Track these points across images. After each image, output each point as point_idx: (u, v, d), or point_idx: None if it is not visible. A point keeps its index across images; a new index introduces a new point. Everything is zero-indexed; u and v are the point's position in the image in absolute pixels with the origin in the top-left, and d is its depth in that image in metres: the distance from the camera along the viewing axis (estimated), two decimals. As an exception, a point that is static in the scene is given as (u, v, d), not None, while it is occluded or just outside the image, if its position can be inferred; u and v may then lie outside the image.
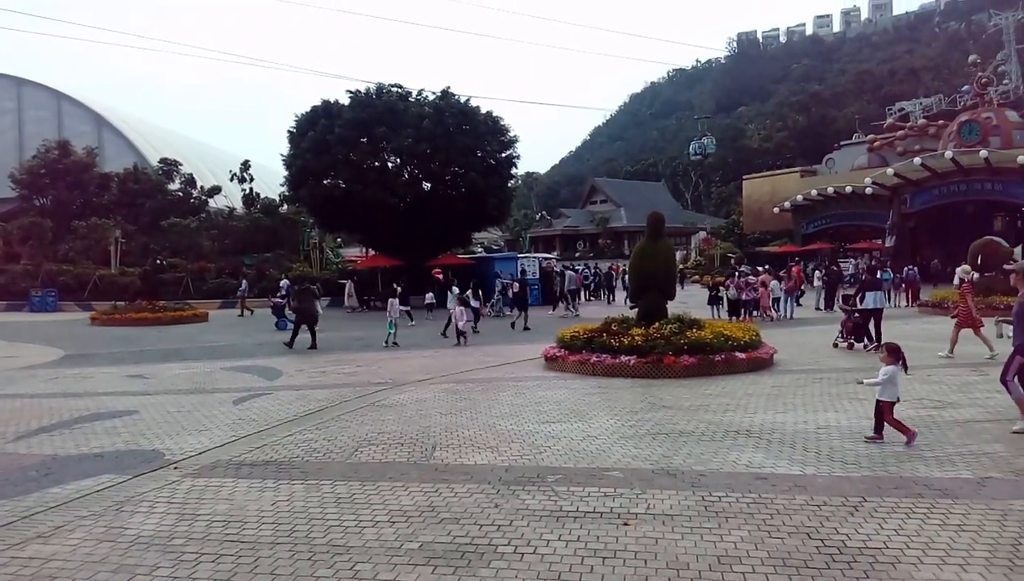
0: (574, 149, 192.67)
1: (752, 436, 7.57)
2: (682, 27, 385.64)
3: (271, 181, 53.22)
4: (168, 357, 16.86)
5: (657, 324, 12.83)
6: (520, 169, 45.90)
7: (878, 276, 16.41)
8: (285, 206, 48.47)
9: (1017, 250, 27.50)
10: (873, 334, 14.62)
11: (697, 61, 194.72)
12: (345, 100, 34.32)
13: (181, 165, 55.73)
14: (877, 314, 14.90)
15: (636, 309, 13.78)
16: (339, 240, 52.37)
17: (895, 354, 7.38)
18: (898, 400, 7.31)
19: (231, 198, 56.03)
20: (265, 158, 58.80)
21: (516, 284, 24.70)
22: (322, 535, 5.08)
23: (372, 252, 40.15)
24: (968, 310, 13.25)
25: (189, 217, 48.28)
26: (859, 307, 15.07)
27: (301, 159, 33.01)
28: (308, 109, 34.45)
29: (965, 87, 50.84)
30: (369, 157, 33.38)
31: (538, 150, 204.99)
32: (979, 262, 22.39)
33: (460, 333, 17.99)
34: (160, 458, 7.42)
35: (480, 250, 55.65)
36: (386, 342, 18.08)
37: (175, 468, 7.03)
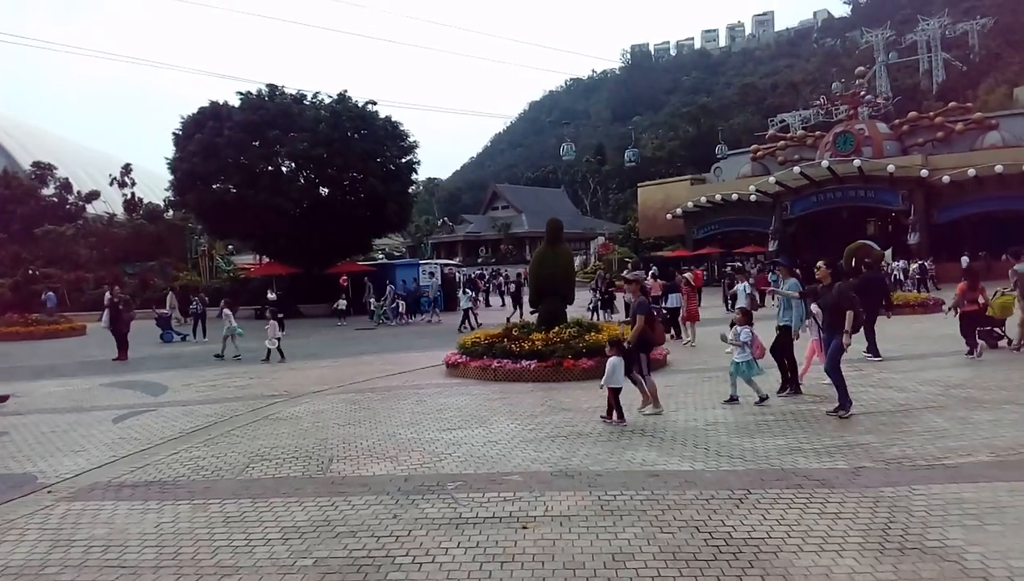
0: (475, 155, 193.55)
1: (646, 435, 7.80)
2: (578, 38, 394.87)
3: (155, 186, 50.72)
4: (41, 374, 15.71)
5: (557, 328, 13.02)
6: (421, 175, 45.63)
7: (675, 280, 18.61)
8: (171, 212, 46.21)
9: (888, 252, 29.66)
10: (673, 331, 17.13)
11: (593, 71, 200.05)
12: (235, 102, 33.12)
13: (56, 169, 52.22)
14: (674, 312, 17.56)
15: (536, 314, 13.93)
16: (230, 247, 50.46)
17: (618, 346, 8.59)
18: (621, 387, 8.44)
19: (111, 204, 52.98)
20: (149, 162, 55.84)
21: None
22: (210, 556, 4.86)
23: (266, 259, 38.86)
24: None
25: (65, 224, 45.31)
26: (664, 306, 17.43)
27: (188, 162, 31.58)
28: (195, 111, 33.03)
29: (835, 83, 54.14)
30: (262, 161, 32.35)
31: (440, 156, 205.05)
32: (853, 264, 24.03)
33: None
34: (32, 482, 6.93)
35: (381, 257, 54.92)
36: (219, 354, 17.20)
37: (48, 492, 6.58)
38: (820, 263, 8.82)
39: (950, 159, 40.14)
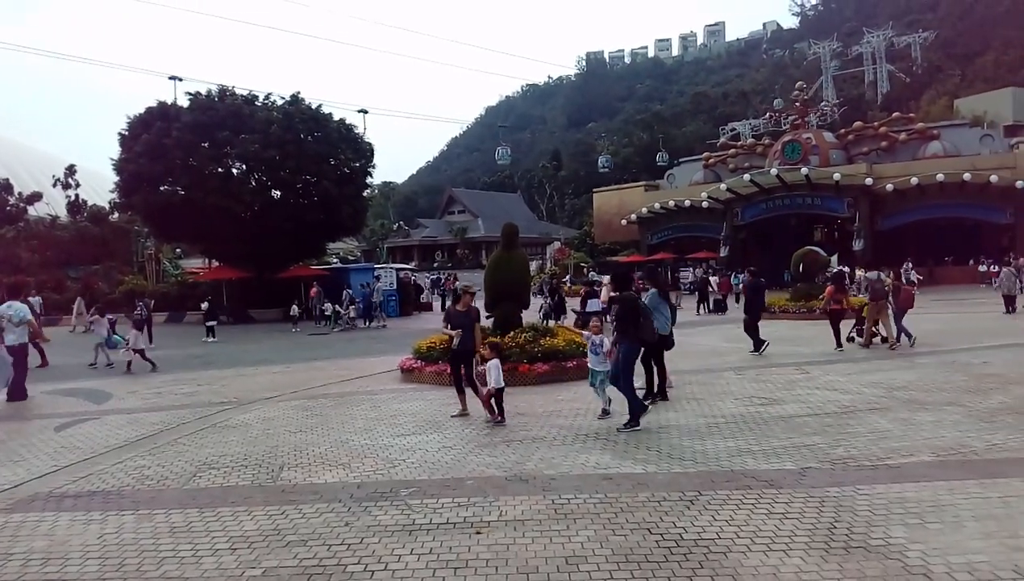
0: (432, 159, 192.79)
1: (600, 438, 7.85)
2: (535, 44, 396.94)
3: (101, 187, 49.31)
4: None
5: (512, 333, 13.03)
6: (377, 178, 45.28)
7: (593, 287, 19.97)
8: (116, 214, 44.97)
9: (834, 259, 30.47)
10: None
11: (549, 77, 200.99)
12: (184, 102, 32.42)
13: (-5, 169, 50.36)
14: (588, 315, 17.99)
15: (492, 318, 13.92)
16: (178, 251, 49.34)
17: (496, 349, 9.20)
18: (503, 387, 8.92)
19: (54, 205, 51.27)
20: (95, 163, 54.31)
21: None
22: (155, 568, 4.74)
23: (216, 263, 38.08)
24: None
25: (5, 226, 43.70)
26: (584, 310, 18.87)
27: (134, 164, 30.76)
28: (143, 110, 32.22)
29: (776, 100, 55.49)
30: (211, 163, 31.68)
31: (395, 160, 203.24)
32: (801, 270, 24.62)
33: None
34: (-35, 495, 6.63)
35: (335, 261, 54.30)
36: (93, 363, 16.43)
37: (-16, 505, 6.30)
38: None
39: (893, 168, 41.49)
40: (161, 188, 31.58)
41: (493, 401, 8.95)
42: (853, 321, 15.89)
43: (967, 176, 37.05)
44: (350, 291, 28.87)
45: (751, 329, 14.69)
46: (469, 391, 9.54)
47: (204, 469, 7.25)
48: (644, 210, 49.31)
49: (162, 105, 32.20)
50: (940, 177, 37.56)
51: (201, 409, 10.88)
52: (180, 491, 6.55)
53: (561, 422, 8.80)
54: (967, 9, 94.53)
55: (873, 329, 15.01)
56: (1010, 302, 21.56)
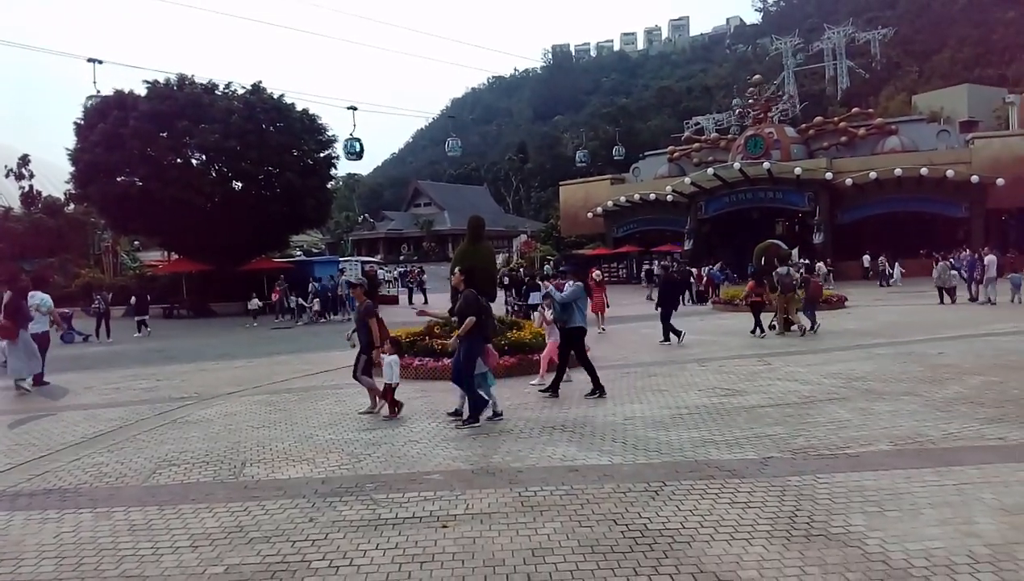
0: (397, 151, 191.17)
1: (566, 430, 7.88)
2: (501, 36, 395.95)
3: (56, 178, 47.90)
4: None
5: (478, 326, 12.99)
6: (341, 170, 44.74)
7: (537, 279, 20.92)
8: (72, 206, 43.82)
9: (795, 252, 31.01)
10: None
11: (515, 70, 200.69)
12: (142, 91, 31.65)
13: (-57, 159, 48.72)
14: (531, 307, 19.11)
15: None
16: (136, 243, 48.31)
17: (396, 345, 9.19)
18: (398, 384, 9.01)
19: (7, 197, 49.83)
20: (49, 153, 52.88)
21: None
22: (113, 567, 4.63)
23: (176, 256, 37.36)
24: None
25: (-46, 218, 42.34)
26: (526, 302, 19.58)
27: (90, 153, 30.00)
28: (99, 99, 31.37)
29: (735, 101, 56.30)
30: (170, 153, 31.03)
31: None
32: (763, 262, 25.01)
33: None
34: (-88, 495, 6.41)
35: (299, 253, 53.65)
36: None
37: (-67, 505, 6.10)
38: (456, 269, 8.94)
39: (853, 162, 42.32)
40: (118, 179, 30.84)
41: (388, 399, 8.95)
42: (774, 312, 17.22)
43: (924, 171, 37.91)
44: (316, 285, 28.56)
45: (664, 320, 15.85)
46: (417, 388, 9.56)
47: (164, 466, 7.11)
48: (610, 203, 49.56)
49: (119, 94, 31.41)
50: (898, 172, 38.38)
51: (161, 404, 10.67)
52: (140, 488, 6.41)
53: (528, 415, 8.82)
54: (924, 7, 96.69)
55: (787, 318, 16.63)
56: (951, 293, 22.60)
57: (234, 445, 7.87)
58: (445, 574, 4.33)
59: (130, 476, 6.81)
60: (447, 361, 12.16)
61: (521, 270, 32.77)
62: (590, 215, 51.38)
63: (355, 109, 32.54)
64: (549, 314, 10.85)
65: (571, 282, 10.51)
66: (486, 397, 8.55)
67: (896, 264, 34.85)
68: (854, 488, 5.54)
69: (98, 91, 29.06)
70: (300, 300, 27.62)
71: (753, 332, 16.38)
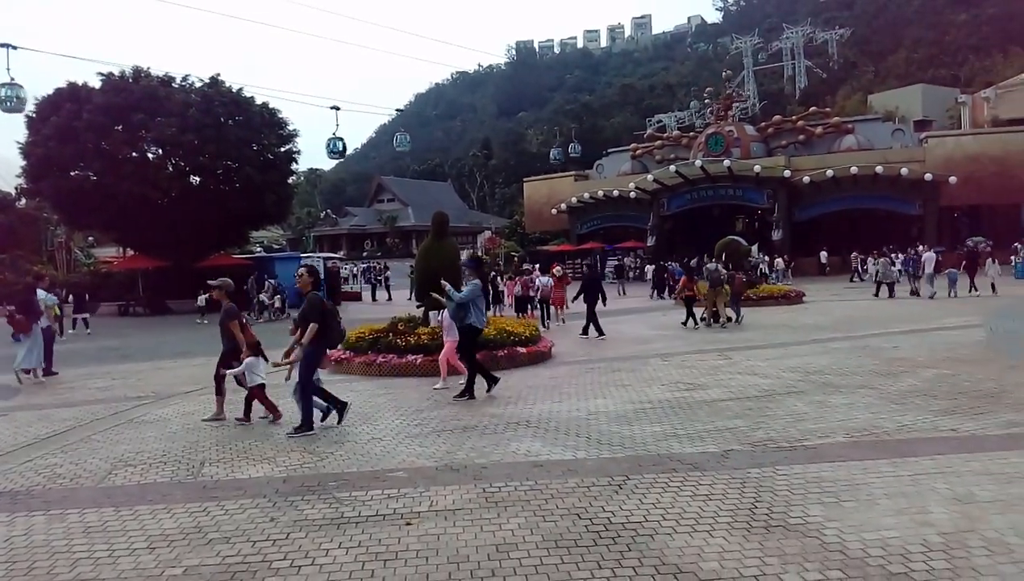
0: (360, 146, 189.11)
1: (531, 426, 7.89)
2: (464, 32, 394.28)
3: (6, 173, 46.39)
4: None
5: (442, 322, 12.95)
6: (303, 165, 44.11)
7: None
8: (24, 201, 42.53)
9: (754, 248, 31.51)
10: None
11: (479, 65, 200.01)
12: (96, 83, 30.82)
13: None
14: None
15: (423, 308, 13.82)
16: (91, 239, 47.13)
17: (253, 348, 8.65)
18: (264, 385, 8.66)
19: (-46, 191, 48.12)
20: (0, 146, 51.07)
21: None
22: (68, 570, 4.52)
23: (131, 252, 36.51)
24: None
25: None
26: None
27: (42, 147, 29.08)
28: (51, 91, 30.48)
29: (708, 90, 56.97)
30: (126, 147, 30.23)
31: (322, 146, 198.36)
32: (723, 258, 25.38)
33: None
34: None
35: (259, 250, 52.85)
36: None
37: None
38: (302, 270, 8.41)
39: (810, 161, 43.11)
40: (72, 173, 30.01)
41: (258, 401, 8.67)
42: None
43: (879, 169, 38.79)
44: (272, 281, 28.10)
45: (588, 316, 16.77)
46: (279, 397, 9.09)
47: (120, 466, 6.95)
48: (574, 200, 49.79)
49: (72, 86, 30.53)
50: (854, 170, 39.21)
51: (116, 404, 10.42)
52: (95, 490, 6.25)
53: (492, 410, 8.82)
54: (881, 8, 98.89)
55: (715, 310, 17.88)
56: (890, 288, 23.68)
57: (192, 444, 7.73)
58: (409, 572, 4.30)
59: (85, 477, 6.64)
60: (411, 357, 12.13)
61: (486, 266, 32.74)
62: (554, 211, 51.55)
63: (338, 109, 32.06)
64: (446, 315, 10.31)
65: (473, 281, 10.06)
66: (323, 407, 8.27)
67: (870, 259, 35.64)
68: (812, 479, 5.65)
69: (11, 78, 28.13)
70: (262, 296, 27.19)
71: (685, 323, 17.70)
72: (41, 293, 14.17)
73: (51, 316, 15.12)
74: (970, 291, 23.02)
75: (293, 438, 7.74)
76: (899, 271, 26.49)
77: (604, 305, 17.69)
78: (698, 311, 18.07)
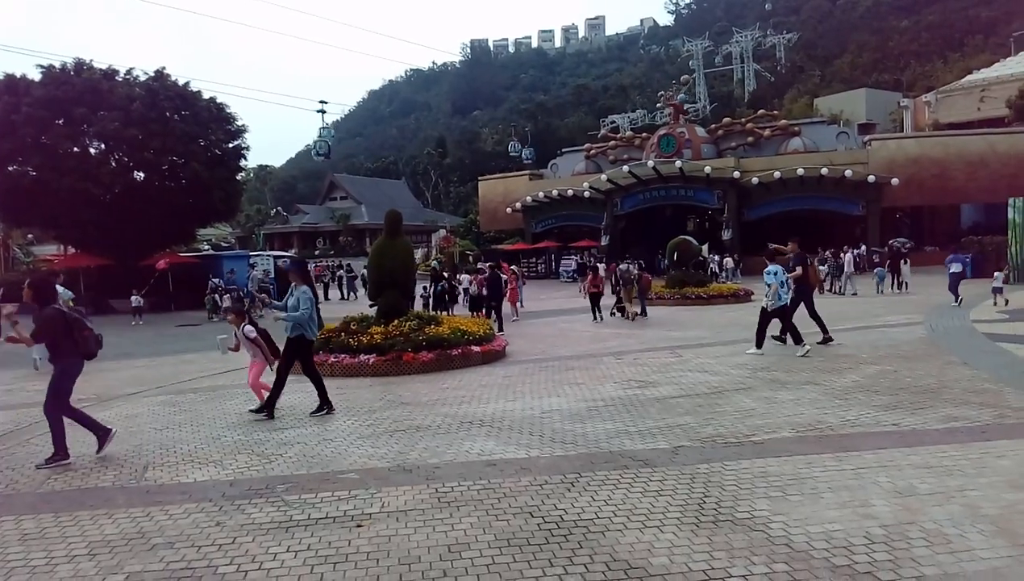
0: (312, 143, 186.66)
1: (485, 425, 7.87)
2: (419, 29, 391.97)
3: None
4: None
5: (397, 322, 12.86)
6: (252, 161, 43.26)
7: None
8: (-42, 196, 40.77)
9: (704, 247, 32.05)
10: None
11: (434, 63, 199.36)
12: (36, 76, 29.76)
13: None
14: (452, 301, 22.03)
15: (376, 307, 13.68)
16: (30, 237, 45.48)
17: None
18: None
19: None
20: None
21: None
22: (2, 578, 4.36)
23: (73, 250, 35.34)
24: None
25: None
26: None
27: (-23, 141, 27.98)
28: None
29: (661, 93, 57.81)
30: (66, 141, 29.30)
31: (272, 142, 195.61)
32: (675, 258, 25.76)
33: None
34: None
35: (207, 247, 51.66)
36: None
37: None
38: (27, 284, 7.42)
39: (759, 162, 44.05)
40: (9, 168, 28.92)
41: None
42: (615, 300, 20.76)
43: (824, 170, 39.84)
44: (215, 281, 27.43)
45: (497, 311, 18.72)
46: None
47: (59, 471, 6.71)
48: (529, 199, 49.93)
49: (10, 78, 29.41)
50: (800, 171, 40.20)
51: (56, 407, 10.04)
52: (32, 495, 6.03)
53: (446, 410, 8.77)
54: (827, 14, 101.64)
55: (624, 306, 19.93)
56: (819, 286, 24.52)
57: (135, 448, 7.51)
58: (359, 574, 4.25)
59: (21, 483, 6.40)
60: (364, 357, 12.00)
61: (439, 265, 32.54)
62: (509, 210, 51.63)
63: (323, 111, 31.57)
64: (250, 330, 9.14)
65: (301, 288, 8.80)
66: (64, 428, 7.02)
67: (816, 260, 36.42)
68: (759, 474, 5.76)
69: (24, 74, 27.20)
70: (215, 296, 26.57)
71: (593, 318, 19.49)
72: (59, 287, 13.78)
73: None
74: (893, 288, 25.41)
75: (42, 468, 6.80)
76: (826, 271, 27.08)
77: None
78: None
